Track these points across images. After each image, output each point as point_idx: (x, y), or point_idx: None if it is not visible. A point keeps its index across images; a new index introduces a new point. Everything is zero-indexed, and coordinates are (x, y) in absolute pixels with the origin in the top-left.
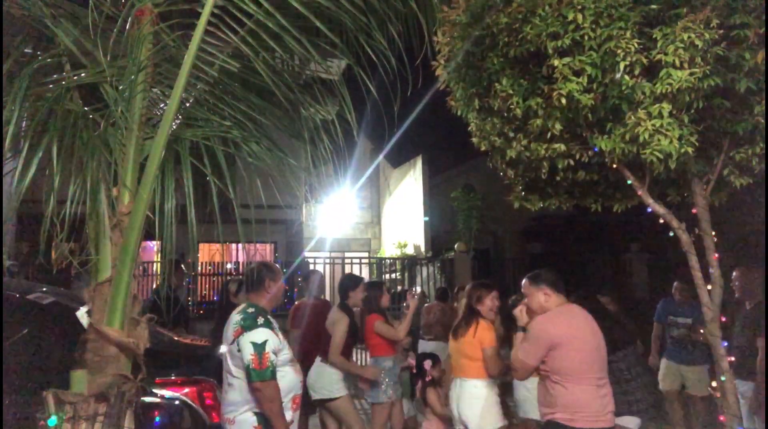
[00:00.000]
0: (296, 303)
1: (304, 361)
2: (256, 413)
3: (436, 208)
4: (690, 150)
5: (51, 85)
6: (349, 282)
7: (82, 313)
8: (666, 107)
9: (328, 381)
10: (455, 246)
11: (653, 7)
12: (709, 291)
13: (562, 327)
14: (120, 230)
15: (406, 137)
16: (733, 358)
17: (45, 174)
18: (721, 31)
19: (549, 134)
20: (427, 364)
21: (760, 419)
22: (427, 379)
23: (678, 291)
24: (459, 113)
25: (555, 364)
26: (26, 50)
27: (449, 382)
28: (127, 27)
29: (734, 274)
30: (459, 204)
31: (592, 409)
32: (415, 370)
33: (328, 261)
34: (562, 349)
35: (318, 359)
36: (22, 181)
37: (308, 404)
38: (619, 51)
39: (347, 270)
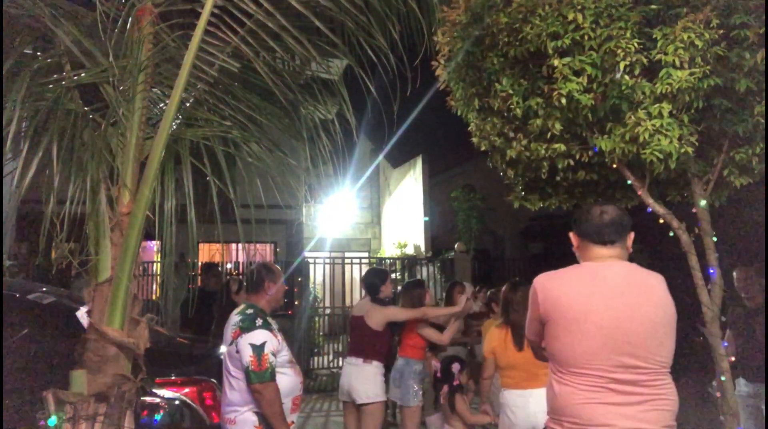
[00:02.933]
0: None
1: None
2: (256, 413)
3: (436, 208)
4: (690, 150)
5: (51, 85)
6: (377, 278)
7: (82, 313)
8: (666, 107)
9: (371, 384)
10: (455, 246)
11: (653, 7)
12: (709, 291)
13: (558, 290)
14: (120, 230)
15: (406, 137)
16: (733, 358)
17: (45, 174)
18: (721, 31)
19: (549, 134)
20: (456, 367)
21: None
22: (455, 383)
23: None
24: (459, 113)
25: (548, 344)
26: (26, 50)
27: (487, 392)
28: (128, 27)
29: (735, 275)
30: (459, 204)
31: (593, 418)
32: (439, 375)
33: (328, 261)
34: (553, 324)
35: (358, 361)
36: (22, 181)
37: None
38: (619, 51)
39: (347, 270)
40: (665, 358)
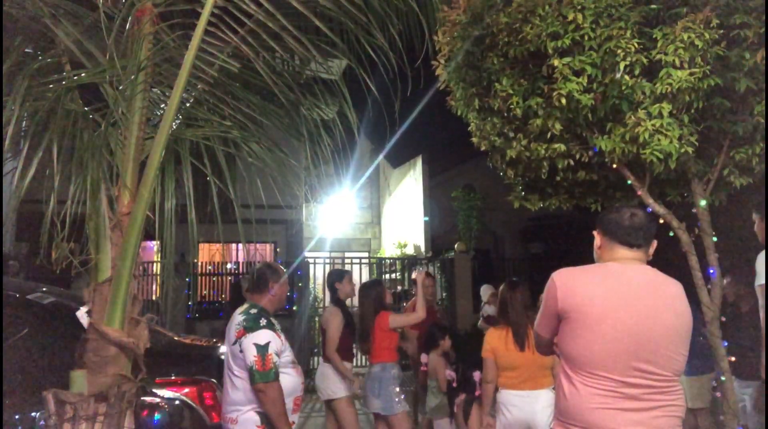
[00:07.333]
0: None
1: None
2: (259, 413)
3: (436, 208)
4: (690, 150)
5: (51, 85)
6: (335, 275)
7: (82, 313)
8: (666, 107)
9: (330, 381)
10: (455, 246)
11: (653, 7)
12: (709, 291)
13: (579, 287)
14: (120, 230)
15: (406, 137)
16: (734, 358)
17: (45, 174)
18: (721, 31)
19: (549, 134)
20: (477, 376)
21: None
22: (477, 393)
23: None
24: (459, 113)
25: (562, 343)
26: (26, 50)
27: (490, 398)
28: (128, 27)
29: (725, 282)
30: (459, 204)
31: (603, 424)
32: (456, 384)
33: (328, 261)
34: (570, 322)
35: (323, 360)
36: (22, 181)
37: None
38: (619, 51)
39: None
40: (679, 366)
